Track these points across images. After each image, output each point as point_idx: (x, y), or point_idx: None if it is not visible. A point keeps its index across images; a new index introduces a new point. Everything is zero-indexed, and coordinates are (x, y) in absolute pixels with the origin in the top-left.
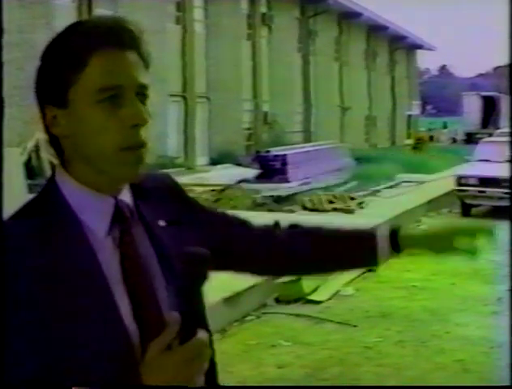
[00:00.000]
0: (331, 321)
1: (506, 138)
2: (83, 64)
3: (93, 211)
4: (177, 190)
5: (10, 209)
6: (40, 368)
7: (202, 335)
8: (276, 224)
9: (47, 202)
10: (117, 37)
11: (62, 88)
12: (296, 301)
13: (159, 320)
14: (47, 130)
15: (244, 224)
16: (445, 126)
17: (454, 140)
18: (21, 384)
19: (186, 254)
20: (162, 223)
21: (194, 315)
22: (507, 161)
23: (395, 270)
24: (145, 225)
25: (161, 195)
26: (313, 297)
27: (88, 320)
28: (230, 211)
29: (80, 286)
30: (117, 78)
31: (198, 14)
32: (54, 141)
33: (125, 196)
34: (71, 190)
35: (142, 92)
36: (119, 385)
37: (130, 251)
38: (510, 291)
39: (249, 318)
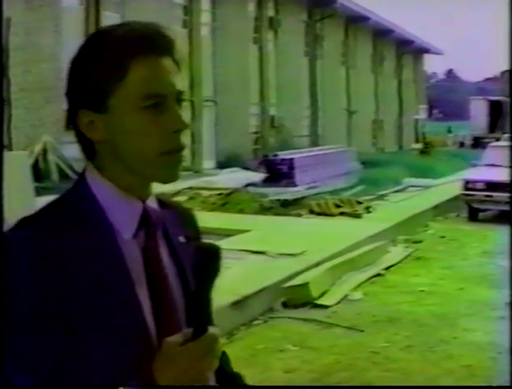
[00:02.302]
0: (339, 325)
1: None
2: (124, 71)
3: (122, 213)
4: (193, 218)
5: (18, 211)
6: (62, 362)
7: (213, 331)
8: None
9: (78, 199)
10: (155, 43)
11: (102, 94)
12: (303, 305)
13: (176, 324)
14: (79, 133)
15: None
16: (449, 131)
17: (462, 144)
18: (42, 380)
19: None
20: (181, 237)
21: (205, 313)
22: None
23: (403, 275)
24: (166, 235)
25: (179, 213)
26: (320, 302)
27: (113, 318)
28: None
29: (107, 284)
30: (160, 86)
31: (205, 17)
32: (85, 144)
33: (153, 203)
34: (102, 190)
35: (180, 98)
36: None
37: (153, 256)
38: (511, 295)
39: (256, 322)
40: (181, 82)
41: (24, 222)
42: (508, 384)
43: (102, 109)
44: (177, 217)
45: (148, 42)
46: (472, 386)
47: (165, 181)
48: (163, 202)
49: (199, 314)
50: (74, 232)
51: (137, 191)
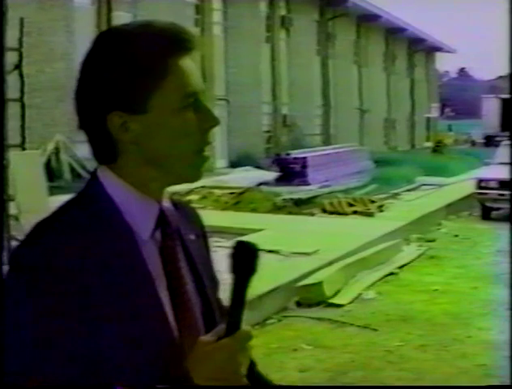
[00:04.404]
0: (353, 324)
1: None
2: (163, 71)
3: (139, 213)
4: (199, 217)
5: (31, 211)
6: (90, 364)
7: (246, 328)
8: None
9: (93, 199)
10: (185, 42)
11: (141, 95)
12: (317, 304)
13: (195, 323)
14: (105, 134)
15: None
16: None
17: (473, 143)
18: (68, 380)
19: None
20: (192, 236)
21: (238, 310)
22: None
23: (417, 273)
24: (180, 234)
25: (188, 213)
26: (334, 301)
27: (137, 317)
28: None
29: (130, 286)
30: (196, 84)
31: (217, 16)
32: (107, 145)
33: (167, 203)
34: (119, 190)
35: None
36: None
37: (171, 256)
38: (510, 293)
39: (270, 321)
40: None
41: (40, 228)
42: (508, 384)
43: (140, 111)
44: (187, 216)
45: (180, 41)
46: (472, 387)
47: (193, 180)
48: (174, 202)
49: (235, 311)
50: (93, 237)
51: (155, 192)
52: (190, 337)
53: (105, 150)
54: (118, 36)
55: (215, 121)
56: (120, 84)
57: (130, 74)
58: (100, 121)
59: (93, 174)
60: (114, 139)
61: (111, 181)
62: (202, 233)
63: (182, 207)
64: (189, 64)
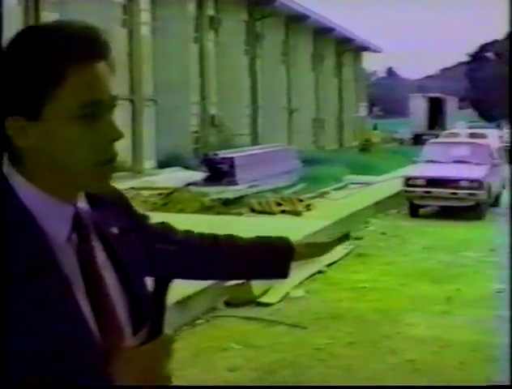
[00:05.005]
0: (282, 323)
1: (453, 139)
2: (60, 78)
3: (53, 217)
4: (124, 201)
5: None
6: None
7: (168, 332)
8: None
9: (5, 208)
10: (92, 49)
11: (36, 101)
12: (246, 303)
13: (117, 324)
14: (5, 139)
15: (173, 235)
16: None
17: (401, 141)
18: None
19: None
20: (115, 230)
21: (160, 315)
22: (454, 162)
23: (344, 271)
24: (99, 232)
25: (111, 204)
26: (263, 300)
27: (56, 324)
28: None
29: (46, 290)
30: (96, 93)
31: (145, 17)
32: (11, 150)
33: (83, 203)
34: (30, 195)
35: (114, 104)
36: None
37: (88, 258)
38: (510, 293)
39: (199, 321)
40: (113, 86)
41: None
42: (508, 384)
43: (35, 117)
44: (112, 209)
45: (85, 47)
46: (472, 386)
47: (97, 191)
48: (93, 197)
49: (156, 315)
50: (5, 245)
51: (66, 195)
52: (113, 341)
53: (9, 153)
54: (27, 38)
55: (116, 134)
56: (19, 88)
57: (26, 79)
58: (1, 123)
59: (3, 181)
60: (14, 144)
61: (23, 186)
62: (135, 223)
63: (107, 202)
64: (93, 72)
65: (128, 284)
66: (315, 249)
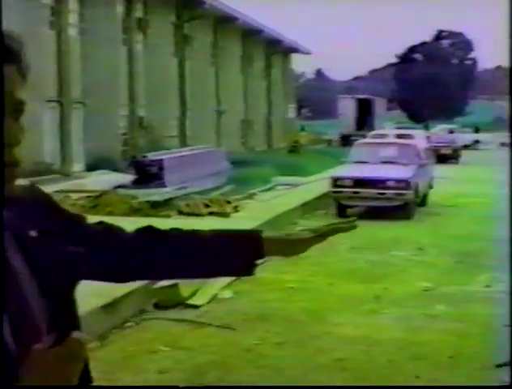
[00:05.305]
0: (211, 324)
1: (381, 140)
2: None
3: None
4: (44, 199)
5: None
6: None
7: (76, 335)
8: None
9: None
10: None
11: None
12: (175, 305)
13: (34, 329)
14: None
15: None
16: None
17: (330, 142)
18: None
19: (59, 258)
20: (33, 233)
21: (68, 317)
22: (382, 162)
23: (273, 272)
24: (15, 237)
25: (29, 205)
26: (191, 302)
27: None
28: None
29: None
30: None
31: (73, 18)
32: None
33: None
34: None
35: (18, 109)
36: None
37: (1, 265)
38: (510, 293)
39: (128, 324)
40: (22, 91)
41: None
42: (508, 384)
43: None
44: (29, 211)
45: None
46: (472, 386)
47: None
48: (12, 198)
49: (63, 317)
50: None
51: None
52: (27, 345)
53: None
54: None
55: (11, 139)
56: None
57: None
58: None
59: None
60: None
61: None
62: (61, 225)
63: (23, 203)
64: None
65: (46, 287)
66: (291, 246)
